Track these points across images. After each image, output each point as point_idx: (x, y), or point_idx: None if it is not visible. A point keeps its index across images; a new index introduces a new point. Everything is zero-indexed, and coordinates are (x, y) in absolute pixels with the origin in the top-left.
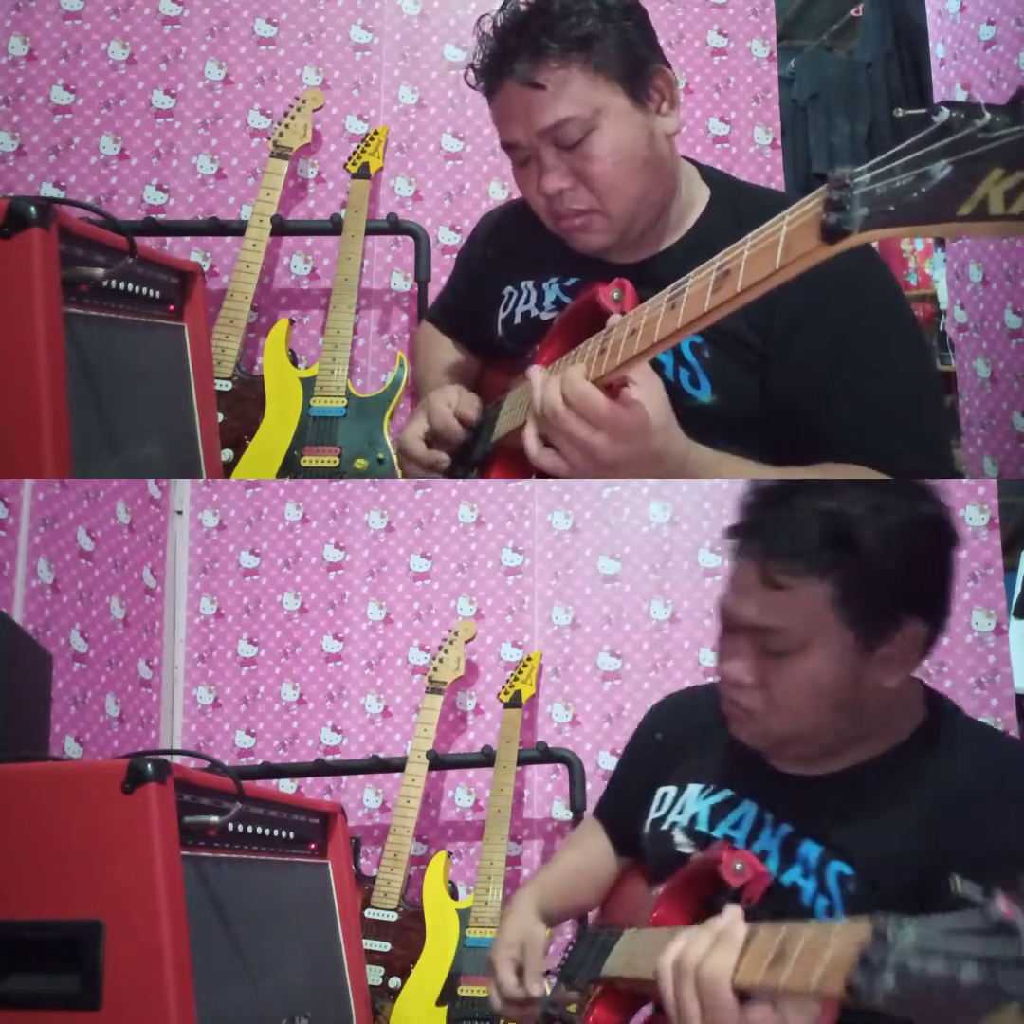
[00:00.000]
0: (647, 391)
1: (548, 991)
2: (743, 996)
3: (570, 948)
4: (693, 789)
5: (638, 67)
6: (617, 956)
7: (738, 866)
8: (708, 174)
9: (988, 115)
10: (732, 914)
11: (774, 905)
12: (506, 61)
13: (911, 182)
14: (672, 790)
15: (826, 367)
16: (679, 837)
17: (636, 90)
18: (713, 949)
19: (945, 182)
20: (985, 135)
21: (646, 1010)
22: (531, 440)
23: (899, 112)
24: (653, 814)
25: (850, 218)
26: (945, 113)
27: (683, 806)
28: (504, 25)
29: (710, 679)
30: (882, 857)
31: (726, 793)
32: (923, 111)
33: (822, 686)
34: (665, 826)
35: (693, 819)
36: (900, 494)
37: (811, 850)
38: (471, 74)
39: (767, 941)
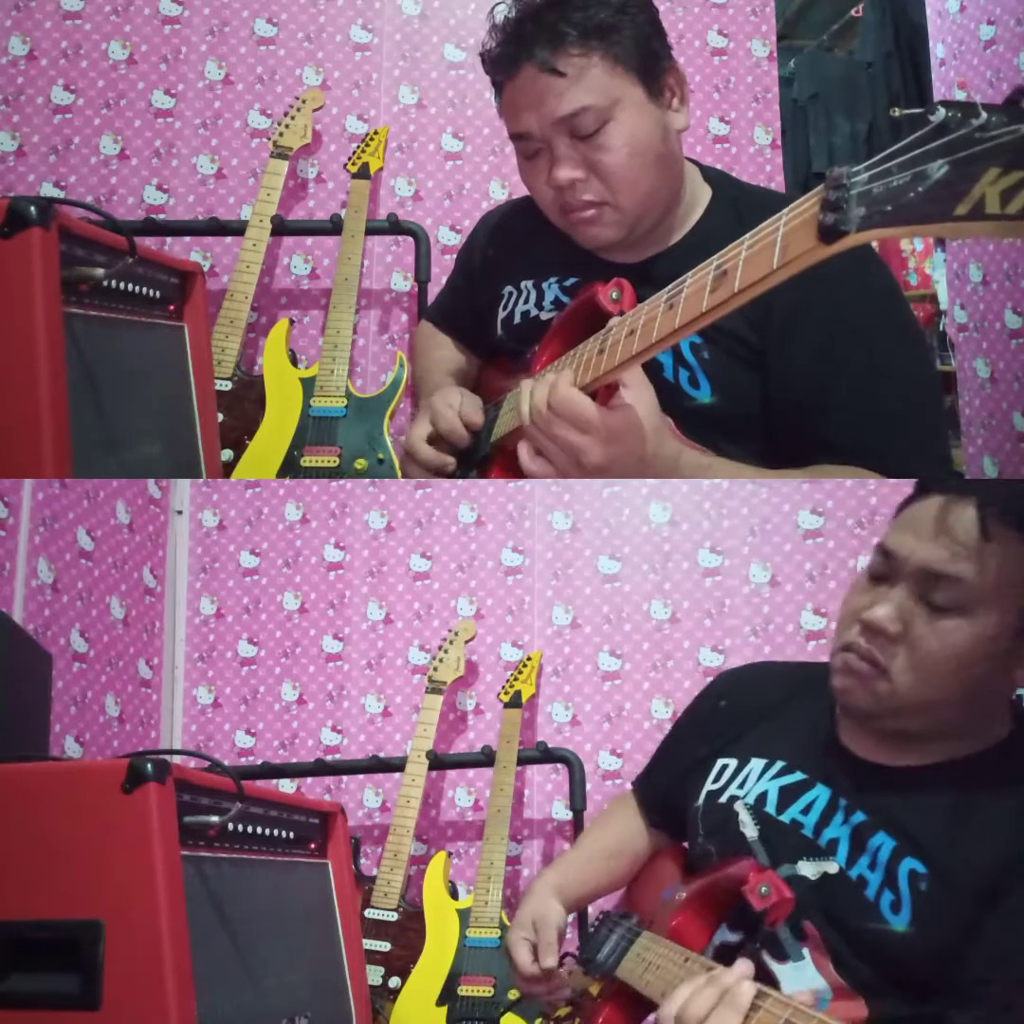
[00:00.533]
0: (637, 395)
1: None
2: None
3: (593, 929)
4: (756, 764)
5: (653, 61)
6: (632, 960)
7: (763, 889)
8: (709, 175)
9: (985, 114)
10: (740, 971)
11: (836, 896)
12: (523, 47)
13: (908, 182)
14: (732, 762)
15: (824, 368)
16: (743, 816)
17: (651, 83)
18: (715, 1011)
19: (942, 182)
20: (981, 134)
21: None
22: (523, 449)
23: (896, 111)
24: (709, 786)
25: (847, 218)
26: (942, 112)
27: (744, 780)
28: (520, 12)
29: (710, 680)
30: (959, 860)
31: (798, 775)
32: (920, 110)
33: (973, 657)
34: (723, 799)
35: (761, 799)
36: None
37: (884, 842)
38: (484, 62)
39: (772, 1016)
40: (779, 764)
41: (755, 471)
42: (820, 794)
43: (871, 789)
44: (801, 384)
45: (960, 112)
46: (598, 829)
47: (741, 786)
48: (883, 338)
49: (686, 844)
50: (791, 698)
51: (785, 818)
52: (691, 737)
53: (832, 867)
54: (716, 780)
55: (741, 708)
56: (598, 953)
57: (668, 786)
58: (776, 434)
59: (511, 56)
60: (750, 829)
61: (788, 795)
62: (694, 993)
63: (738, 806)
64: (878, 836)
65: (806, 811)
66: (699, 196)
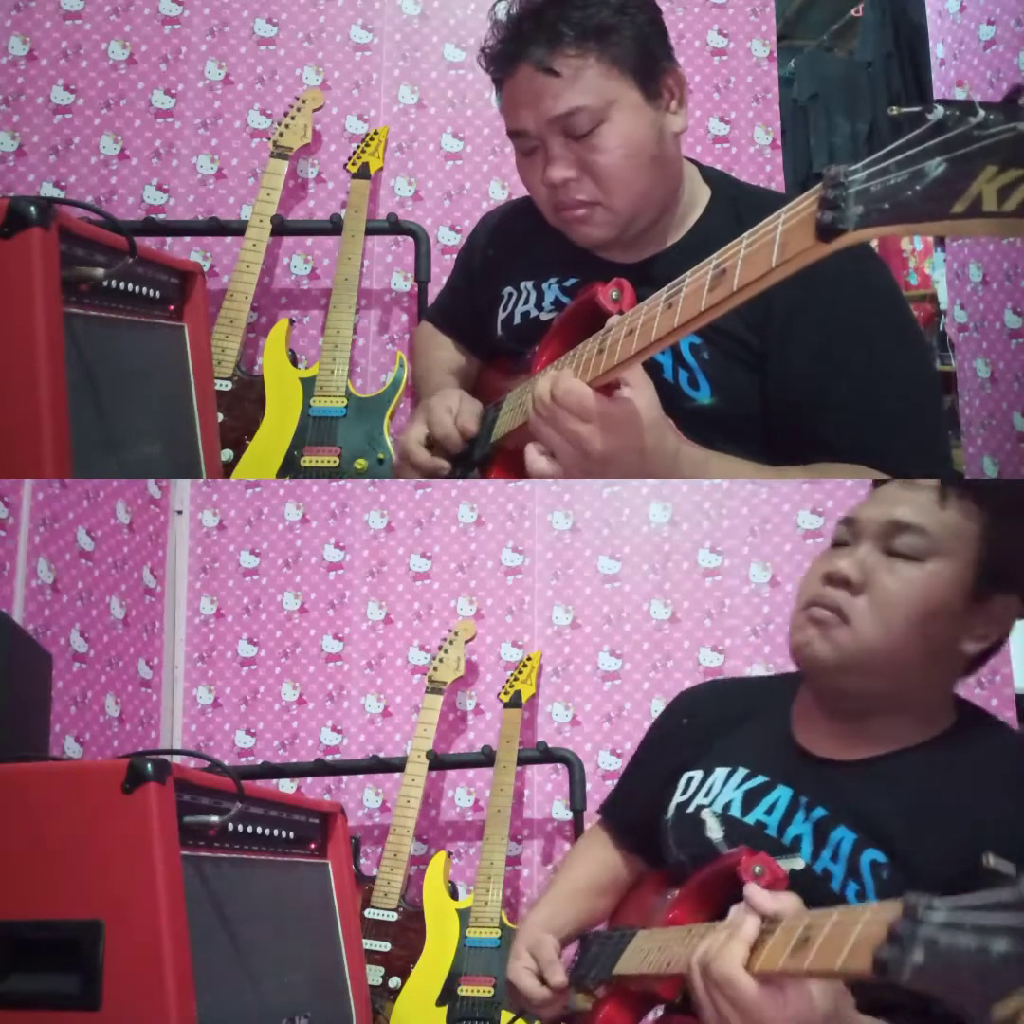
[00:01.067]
0: (637, 391)
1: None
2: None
3: (581, 949)
4: (720, 773)
5: (652, 63)
6: (630, 955)
7: (757, 869)
8: (709, 175)
9: (982, 113)
10: (742, 907)
11: (804, 891)
12: (521, 46)
13: (906, 180)
14: (698, 774)
15: (824, 368)
16: (711, 822)
17: (648, 85)
18: (725, 944)
19: (939, 180)
20: (979, 132)
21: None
22: (530, 449)
23: (894, 109)
24: (677, 798)
25: (845, 216)
26: (939, 111)
27: (710, 789)
28: (519, 10)
29: (711, 678)
30: (919, 847)
31: (761, 779)
32: (918, 109)
33: (930, 606)
34: (691, 809)
35: (726, 806)
36: None
37: (845, 836)
38: (482, 59)
39: (791, 928)
40: (742, 771)
41: (754, 468)
42: (782, 794)
43: (829, 784)
44: (800, 384)
45: (958, 110)
46: (574, 867)
47: (707, 795)
48: (882, 337)
49: (665, 867)
50: (750, 710)
51: (750, 820)
52: (657, 756)
53: (798, 863)
54: (683, 792)
55: (703, 723)
56: (592, 967)
57: (640, 806)
58: (775, 435)
59: (509, 54)
60: (717, 833)
61: (752, 798)
62: (713, 938)
63: (705, 814)
64: (839, 830)
65: (769, 811)
66: (698, 196)
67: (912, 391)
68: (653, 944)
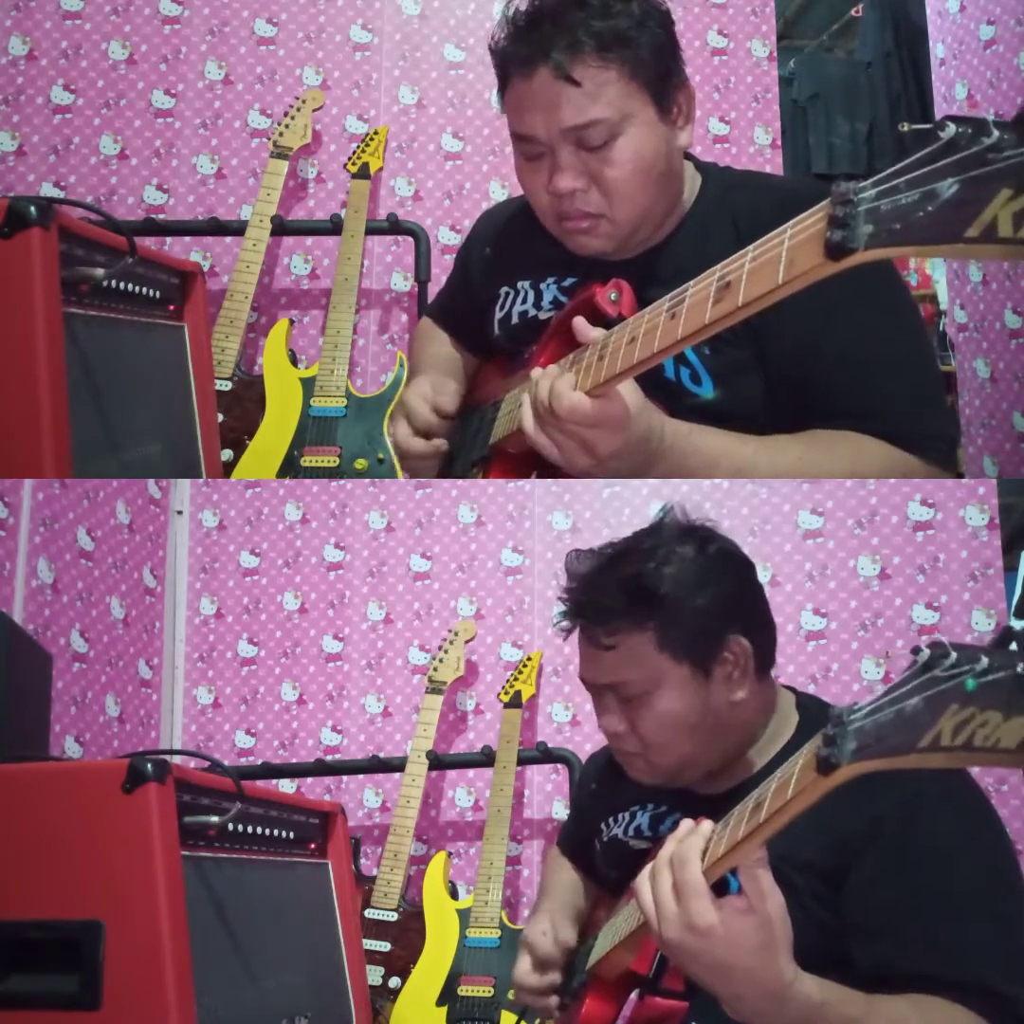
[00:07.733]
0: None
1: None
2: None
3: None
4: (634, 808)
5: (667, 77)
6: (600, 942)
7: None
8: (699, 165)
9: (996, 133)
10: (677, 836)
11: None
12: (540, 47)
13: (917, 200)
14: (621, 815)
15: (813, 336)
16: (632, 840)
17: (662, 101)
18: (684, 839)
19: (952, 201)
20: (993, 155)
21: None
22: (529, 422)
23: (904, 126)
24: (606, 836)
25: (855, 235)
26: (951, 128)
27: (626, 821)
28: (540, 8)
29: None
30: (786, 860)
31: (662, 807)
32: (929, 126)
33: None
34: (609, 837)
35: (638, 828)
36: (681, 539)
37: None
38: (493, 55)
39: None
40: (650, 805)
41: (740, 439)
42: (679, 818)
43: (709, 813)
44: (794, 354)
45: (970, 129)
46: (554, 878)
47: (620, 825)
48: (872, 302)
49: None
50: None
51: (660, 832)
52: (584, 816)
53: None
54: (609, 830)
55: (607, 786)
56: (572, 979)
57: (585, 844)
58: (778, 419)
59: (526, 56)
60: (640, 844)
61: (657, 820)
62: (652, 880)
63: (624, 836)
64: None
65: (671, 829)
66: (693, 189)
67: (900, 351)
68: (619, 922)
